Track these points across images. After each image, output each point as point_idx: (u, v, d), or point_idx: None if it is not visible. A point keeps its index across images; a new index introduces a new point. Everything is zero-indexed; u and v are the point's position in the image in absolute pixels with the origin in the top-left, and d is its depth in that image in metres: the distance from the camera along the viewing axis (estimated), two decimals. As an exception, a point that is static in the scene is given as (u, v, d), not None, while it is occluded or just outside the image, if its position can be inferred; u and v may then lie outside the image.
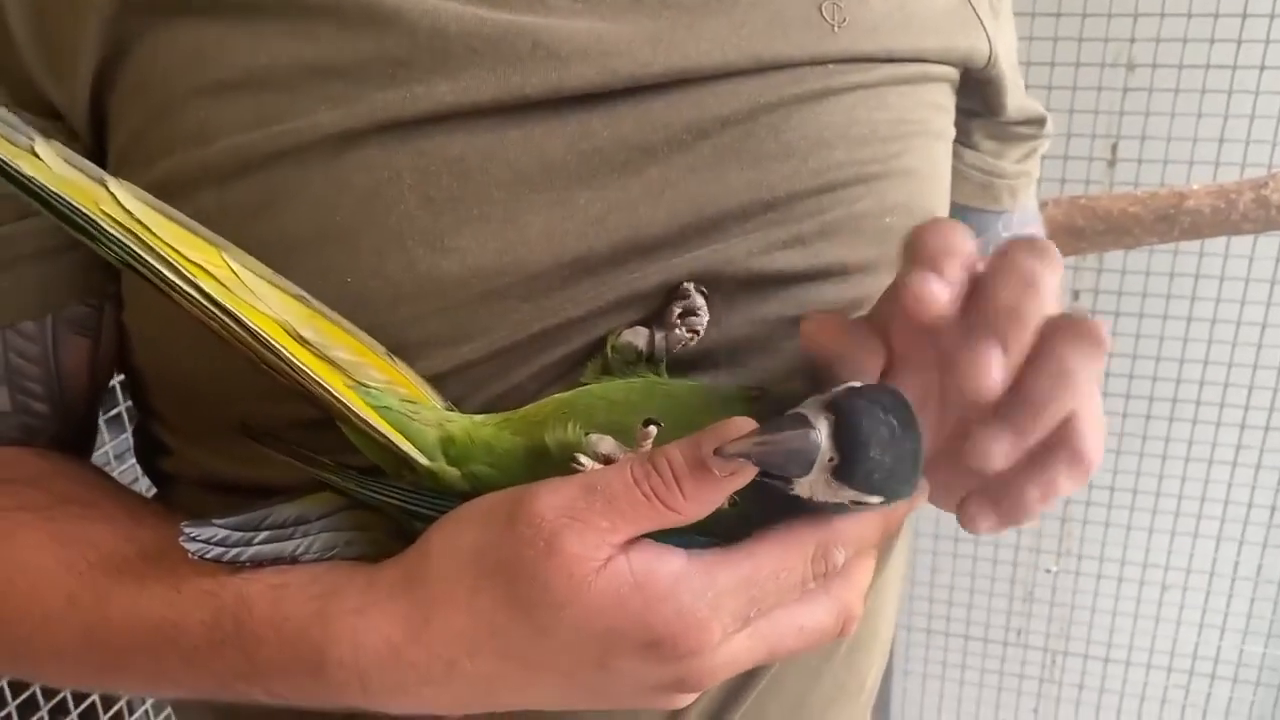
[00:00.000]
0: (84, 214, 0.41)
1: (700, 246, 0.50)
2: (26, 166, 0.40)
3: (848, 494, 0.39)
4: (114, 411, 1.25)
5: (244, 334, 0.43)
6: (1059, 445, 0.42)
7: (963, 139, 0.64)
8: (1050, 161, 0.72)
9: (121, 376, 0.60)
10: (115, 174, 0.49)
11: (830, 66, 0.51)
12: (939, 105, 0.58)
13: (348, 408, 0.45)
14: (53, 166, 0.41)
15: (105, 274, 0.53)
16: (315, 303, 0.46)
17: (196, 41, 0.47)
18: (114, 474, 0.94)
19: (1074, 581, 2.10)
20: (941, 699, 2.26)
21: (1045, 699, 2.20)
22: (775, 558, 0.42)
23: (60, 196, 0.41)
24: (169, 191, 0.47)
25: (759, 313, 0.51)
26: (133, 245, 0.42)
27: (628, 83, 0.48)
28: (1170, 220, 1.45)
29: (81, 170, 0.42)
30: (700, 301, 0.49)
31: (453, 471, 0.46)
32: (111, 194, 0.42)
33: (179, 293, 0.43)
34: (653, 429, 0.42)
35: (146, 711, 1.42)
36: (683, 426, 0.41)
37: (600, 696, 0.44)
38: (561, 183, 0.48)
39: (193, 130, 0.47)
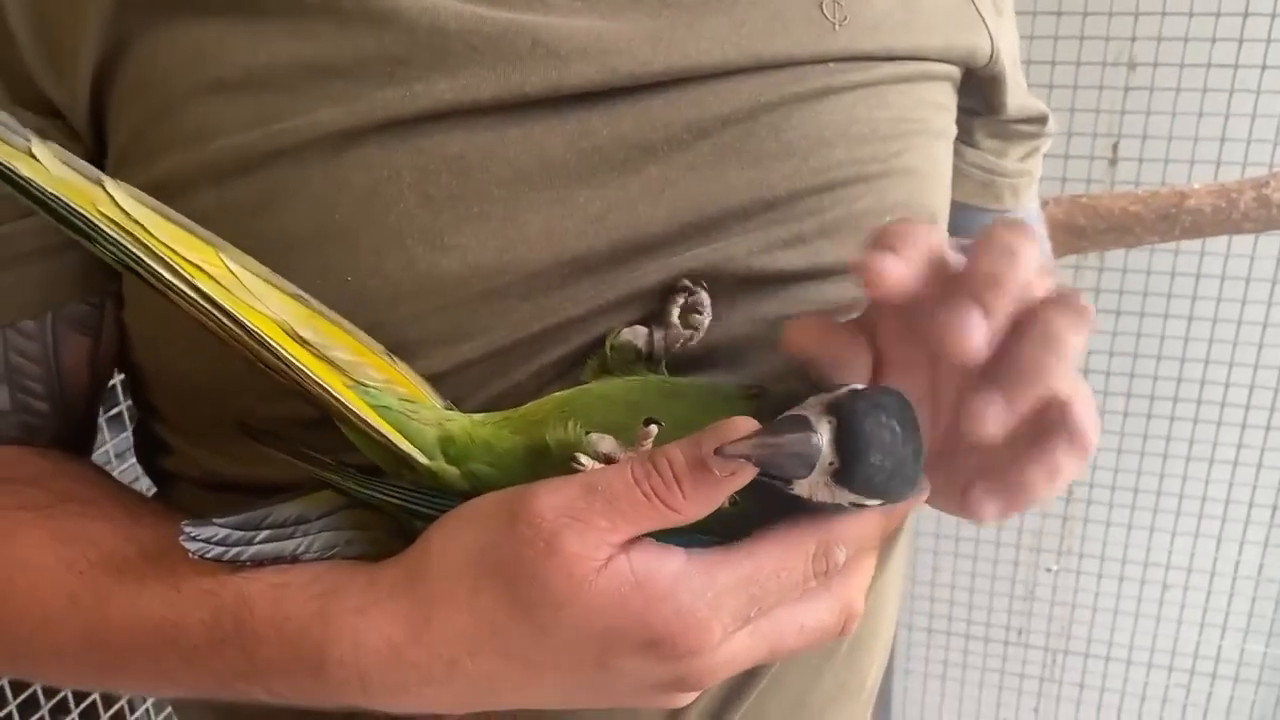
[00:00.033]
0: (81, 215, 0.41)
1: (700, 245, 0.50)
2: (24, 168, 0.40)
3: (847, 497, 0.39)
4: (115, 410, 1.25)
5: (242, 334, 0.43)
6: (1057, 425, 0.42)
7: (964, 137, 0.64)
8: (1051, 160, 0.72)
9: (122, 375, 0.60)
10: (115, 172, 0.49)
11: (831, 65, 0.51)
12: (940, 104, 0.58)
13: (347, 407, 0.45)
14: (50, 168, 0.41)
15: (106, 272, 0.53)
16: (314, 302, 0.46)
17: (196, 40, 0.47)
18: (115, 473, 0.94)
19: (1075, 580, 2.10)
20: (942, 698, 2.26)
21: (1046, 698, 2.20)
22: (776, 557, 0.42)
23: (57, 198, 0.41)
24: (169, 190, 0.47)
25: (759, 311, 0.51)
26: (130, 246, 0.42)
27: (627, 81, 0.48)
28: (1171, 219, 1.45)
29: (78, 171, 0.42)
30: (705, 299, 0.49)
31: (452, 471, 0.46)
32: (109, 195, 0.42)
33: (176, 293, 0.43)
34: (653, 428, 0.42)
35: (148, 710, 1.42)
36: (683, 425, 0.41)
37: (601, 695, 0.44)
38: (561, 181, 0.48)
39: (192, 129, 0.47)
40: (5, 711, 1.18)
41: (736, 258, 0.50)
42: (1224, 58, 1.68)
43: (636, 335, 0.49)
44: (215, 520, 0.46)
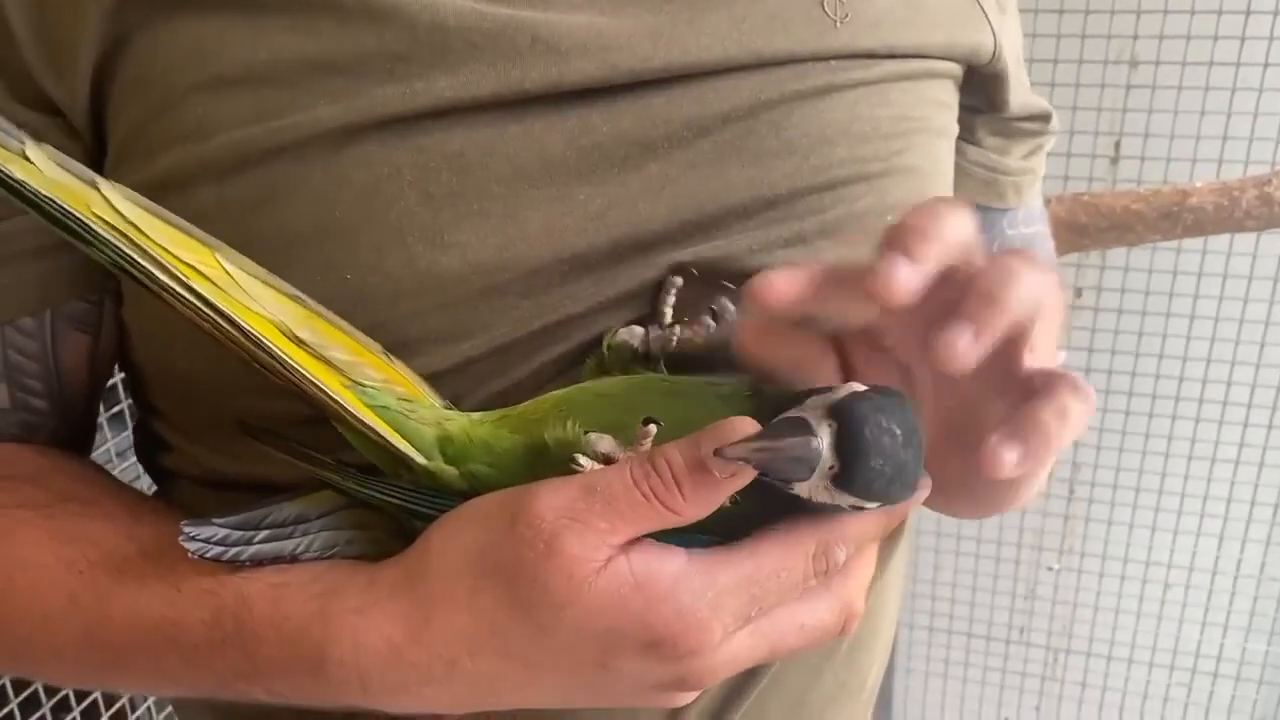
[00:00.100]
0: (75, 217, 0.41)
1: (701, 243, 0.49)
2: (17, 170, 0.40)
3: (847, 500, 0.39)
4: (116, 409, 1.25)
5: (238, 335, 0.43)
6: (1059, 376, 0.42)
7: (967, 135, 0.64)
8: (1053, 159, 0.72)
9: (122, 374, 0.60)
10: (115, 169, 0.49)
11: (832, 62, 0.51)
12: (942, 102, 0.58)
13: (344, 408, 0.44)
14: (44, 170, 0.41)
15: (104, 270, 0.53)
16: (311, 302, 0.45)
17: (196, 36, 0.47)
18: (116, 471, 0.94)
19: (1076, 579, 2.10)
20: (944, 697, 2.26)
21: (1047, 697, 2.20)
22: (776, 556, 0.42)
23: (52, 200, 0.41)
24: (169, 187, 0.47)
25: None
26: (125, 248, 0.42)
27: (628, 78, 0.48)
28: (1173, 218, 1.45)
29: (73, 173, 0.42)
30: (730, 305, 0.49)
31: (451, 470, 0.46)
32: (103, 196, 0.42)
33: (172, 295, 0.42)
34: (652, 428, 0.42)
35: (149, 709, 1.42)
36: (682, 424, 0.41)
37: (601, 695, 0.44)
38: (561, 178, 0.48)
39: (192, 125, 0.47)
40: (7, 710, 1.18)
41: (737, 256, 0.50)
42: (1226, 56, 1.68)
43: (633, 335, 0.49)
44: (215, 520, 0.46)
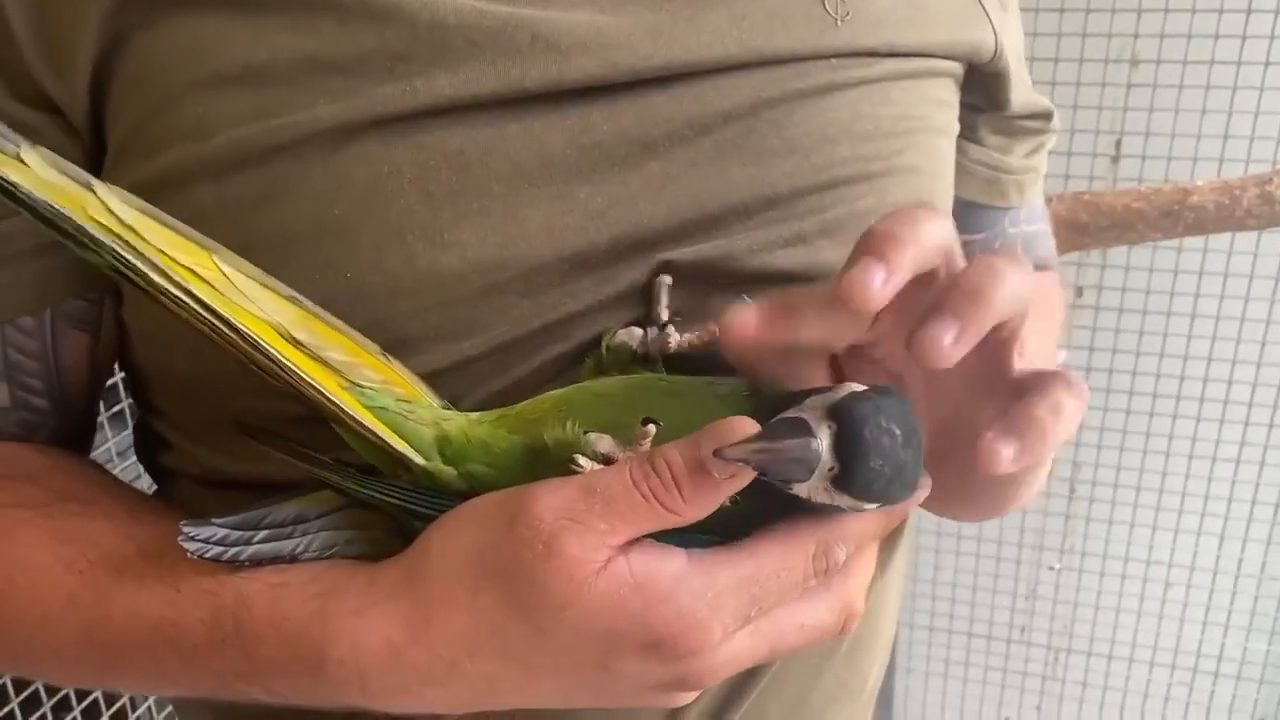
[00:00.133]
0: (71, 220, 0.41)
1: (701, 242, 0.49)
2: (12, 173, 0.40)
3: (846, 501, 0.39)
4: (116, 408, 1.25)
5: (235, 337, 0.43)
6: (1051, 374, 0.42)
7: (968, 134, 0.64)
8: (1054, 158, 0.72)
9: (122, 374, 0.60)
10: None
11: (833, 61, 0.51)
12: (943, 101, 0.58)
13: (341, 409, 0.44)
14: (39, 172, 0.41)
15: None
16: (308, 304, 0.45)
17: (195, 35, 0.47)
18: (116, 471, 0.94)
19: (1077, 579, 2.10)
20: (944, 696, 2.26)
21: (1048, 696, 2.20)
22: (776, 557, 0.41)
23: (47, 203, 0.40)
24: (167, 185, 0.47)
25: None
26: (120, 250, 0.41)
27: (628, 76, 0.48)
28: (1174, 216, 1.45)
29: (69, 175, 0.41)
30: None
31: (449, 471, 0.45)
32: (99, 199, 0.41)
33: (169, 297, 0.42)
34: (651, 427, 0.42)
35: (149, 708, 1.42)
36: (681, 424, 0.41)
37: (601, 695, 0.43)
38: (561, 177, 0.47)
39: (191, 124, 0.47)
40: (7, 709, 1.18)
41: (737, 256, 0.50)
42: (1227, 55, 1.67)
43: (631, 337, 0.49)
44: (214, 520, 0.45)
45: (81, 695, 1.30)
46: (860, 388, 0.40)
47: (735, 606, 0.41)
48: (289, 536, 0.46)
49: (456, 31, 0.46)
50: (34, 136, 0.49)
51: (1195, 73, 1.70)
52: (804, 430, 0.38)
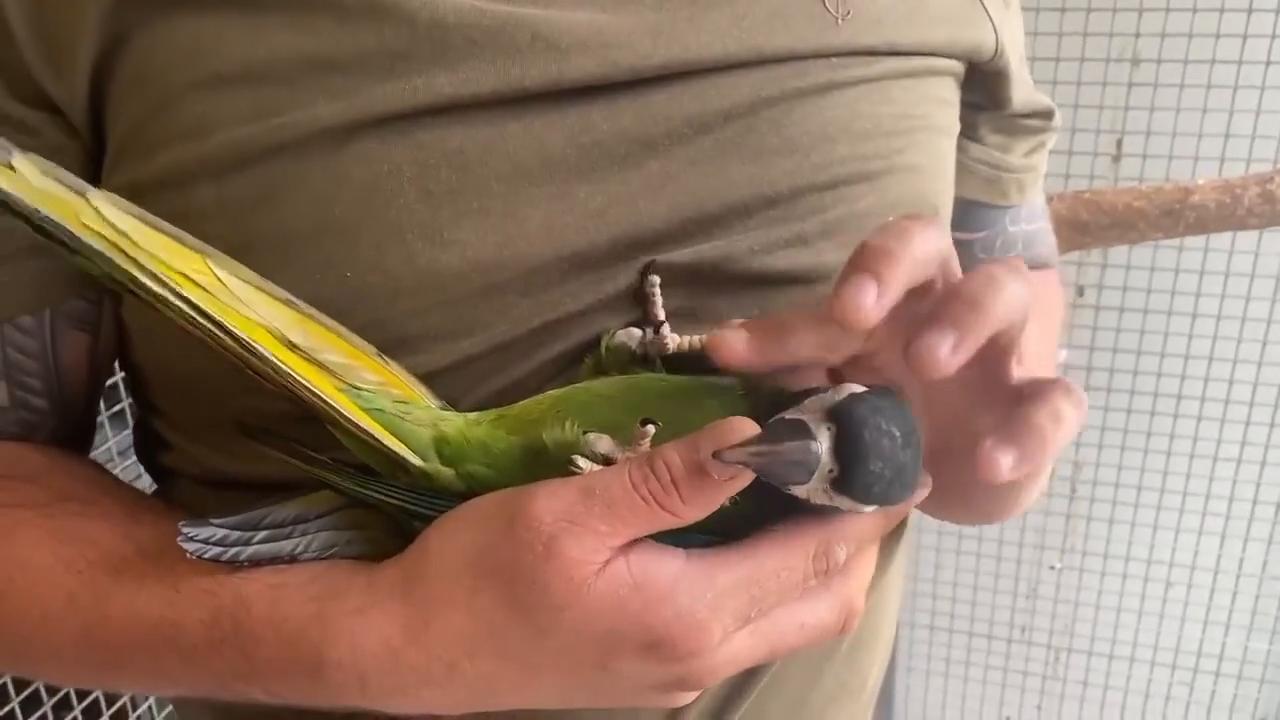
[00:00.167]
0: (63, 227, 0.41)
1: (701, 242, 0.49)
2: (3, 181, 0.40)
3: (846, 503, 0.39)
4: (117, 407, 1.25)
5: (230, 342, 0.43)
6: (1050, 382, 0.42)
7: (969, 133, 0.64)
8: (1055, 157, 0.72)
9: (122, 373, 0.60)
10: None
11: (833, 60, 0.51)
12: (943, 100, 0.58)
13: (338, 411, 0.44)
14: (31, 180, 0.40)
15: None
16: (304, 306, 0.45)
17: (194, 34, 0.47)
18: (117, 470, 0.94)
19: (1078, 578, 2.09)
20: (945, 695, 2.26)
21: (1049, 696, 2.20)
22: (776, 557, 0.41)
23: (39, 210, 0.40)
24: (167, 185, 0.47)
25: (761, 311, 0.51)
26: (114, 257, 0.41)
27: (628, 75, 0.47)
28: (1175, 215, 1.45)
29: (62, 183, 0.41)
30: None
31: (447, 472, 0.45)
32: (92, 206, 0.41)
33: (162, 302, 0.42)
34: (650, 428, 0.42)
35: (150, 708, 1.42)
36: (680, 423, 0.41)
37: (600, 695, 0.43)
38: (561, 176, 0.47)
39: (191, 124, 0.47)
40: (8, 709, 1.18)
41: (738, 256, 0.50)
42: (1228, 54, 1.67)
43: (630, 337, 0.49)
44: (213, 520, 0.45)
45: (82, 695, 1.30)
46: (859, 389, 0.40)
47: (735, 607, 0.41)
48: (288, 537, 0.46)
49: (456, 30, 0.46)
50: (34, 136, 0.49)
51: (1197, 72, 1.70)
52: (803, 432, 0.38)
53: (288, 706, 0.46)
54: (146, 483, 0.63)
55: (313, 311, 0.45)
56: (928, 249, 0.40)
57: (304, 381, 0.44)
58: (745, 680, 0.56)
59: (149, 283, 0.42)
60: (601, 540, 0.39)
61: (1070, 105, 1.74)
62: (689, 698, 0.45)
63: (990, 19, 0.58)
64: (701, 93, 0.49)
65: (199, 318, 0.42)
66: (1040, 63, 1.72)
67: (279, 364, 0.43)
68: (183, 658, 0.46)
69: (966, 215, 0.66)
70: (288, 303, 0.45)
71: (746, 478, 0.39)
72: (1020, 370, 0.44)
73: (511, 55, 0.46)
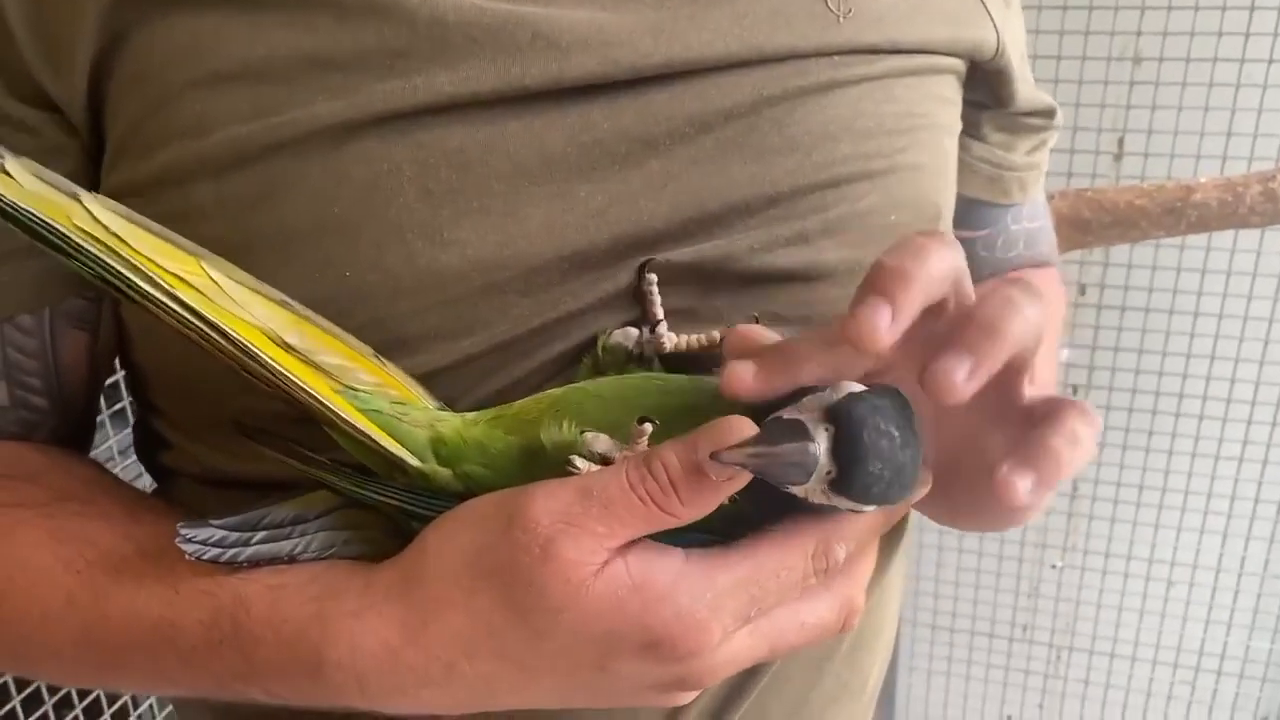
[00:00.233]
0: (56, 230, 0.40)
1: (703, 241, 0.49)
2: None
3: (845, 503, 0.39)
4: (117, 406, 1.25)
5: (226, 344, 0.43)
6: (1065, 403, 0.42)
7: (971, 131, 0.64)
8: (1057, 155, 0.72)
9: (123, 372, 0.60)
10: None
11: (835, 58, 0.51)
12: (945, 98, 0.57)
13: (335, 413, 0.44)
14: (23, 183, 0.40)
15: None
16: (300, 308, 0.45)
17: (193, 32, 0.47)
18: (117, 469, 0.94)
19: (1080, 577, 2.09)
20: (947, 694, 2.26)
21: (1051, 694, 2.20)
22: (775, 556, 0.41)
23: (32, 213, 0.40)
24: (166, 183, 0.47)
25: (762, 311, 0.50)
26: (108, 259, 0.41)
27: (629, 74, 0.47)
28: (1177, 213, 1.45)
29: (54, 185, 0.41)
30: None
31: (445, 472, 0.45)
32: (85, 208, 0.41)
33: (158, 305, 0.42)
34: (648, 426, 0.41)
35: (150, 707, 1.42)
36: (678, 423, 0.41)
37: (599, 696, 0.43)
38: (561, 175, 0.47)
39: (190, 122, 0.47)
40: (9, 707, 1.18)
41: (739, 256, 0.50)
42: (1230, 52, 1.67)
43: (627, 337, 0.48)
44: (212, 521, 0.45)
45: (83, 694, 1.30)
46: (858, 387, 0.39)
47: (734, 607, 0.41)
48: (287, 537, 0.46)
49: (456, 29, 0.46)
50: (33, 135, 0.49)
51: (1198, 70, 1.70)
52: (801, 433, 0.38)
53: (287, 707, 0.46)
54: (146, 482, 0.63)
55: (309, 313, 0.45)
56: (943, 268, 0.39)
57: (300, 383, 0.43)
58: (745, 680, 0.55)
59: (143, 284, 0.41)
60: (599, 541, 0.39)
61: (1072, 103, 1.74)
62: (689, 698, 0.45)
63: (991, 18, 0.58)
64: (703, 92, 0.48)
65: (193, 319, 0.42)
66: (1042, 61, 1.72)
67: (274, 366, 0.43)
68: (182, 658, 0.46)
69: (968, 213, 0.66)
70: (283, 304, 0.45)
71: (744, 478, 0.39)
72: (1031, 388, 0.44)
73: (512, 54, 0.46)
